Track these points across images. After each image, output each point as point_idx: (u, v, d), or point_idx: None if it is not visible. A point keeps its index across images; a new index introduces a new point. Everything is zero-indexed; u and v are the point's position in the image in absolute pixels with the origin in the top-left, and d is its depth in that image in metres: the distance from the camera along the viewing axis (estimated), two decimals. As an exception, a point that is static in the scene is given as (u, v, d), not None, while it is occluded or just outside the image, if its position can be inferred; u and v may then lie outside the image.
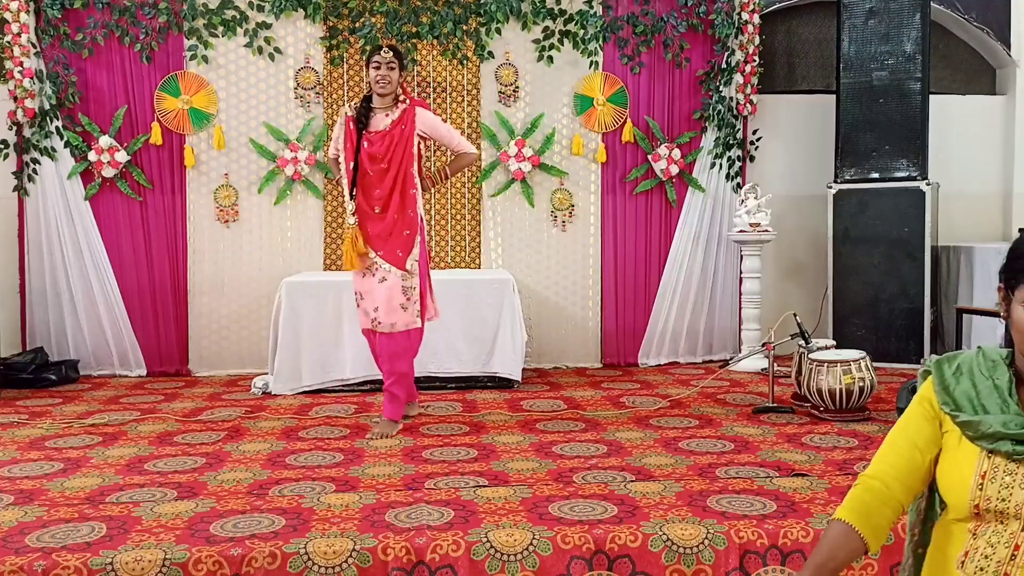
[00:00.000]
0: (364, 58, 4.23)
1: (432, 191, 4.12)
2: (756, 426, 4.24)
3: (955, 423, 1.60)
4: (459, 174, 5.70)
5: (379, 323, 4.15)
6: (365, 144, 4.10)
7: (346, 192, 4.16)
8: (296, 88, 5.88)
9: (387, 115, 4.14)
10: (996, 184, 6.63)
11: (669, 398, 4.89)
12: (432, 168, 4.34)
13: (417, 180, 4.19)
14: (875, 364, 4.63)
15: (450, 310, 5.20)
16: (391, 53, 4.09)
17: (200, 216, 5.86)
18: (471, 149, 4.34)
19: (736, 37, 6.03)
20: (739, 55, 6.05)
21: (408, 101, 4.18)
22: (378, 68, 4.07)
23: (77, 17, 5.66)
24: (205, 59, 5.77)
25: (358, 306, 4.25)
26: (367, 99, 4.19)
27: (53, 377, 5.40)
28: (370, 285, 4.15)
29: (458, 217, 5.98)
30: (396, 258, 4.12)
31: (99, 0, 5.62)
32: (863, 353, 4.44)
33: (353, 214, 4.14)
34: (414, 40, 5.86)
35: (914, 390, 4.23)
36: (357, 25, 5.85)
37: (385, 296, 4.11)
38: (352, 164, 4.10)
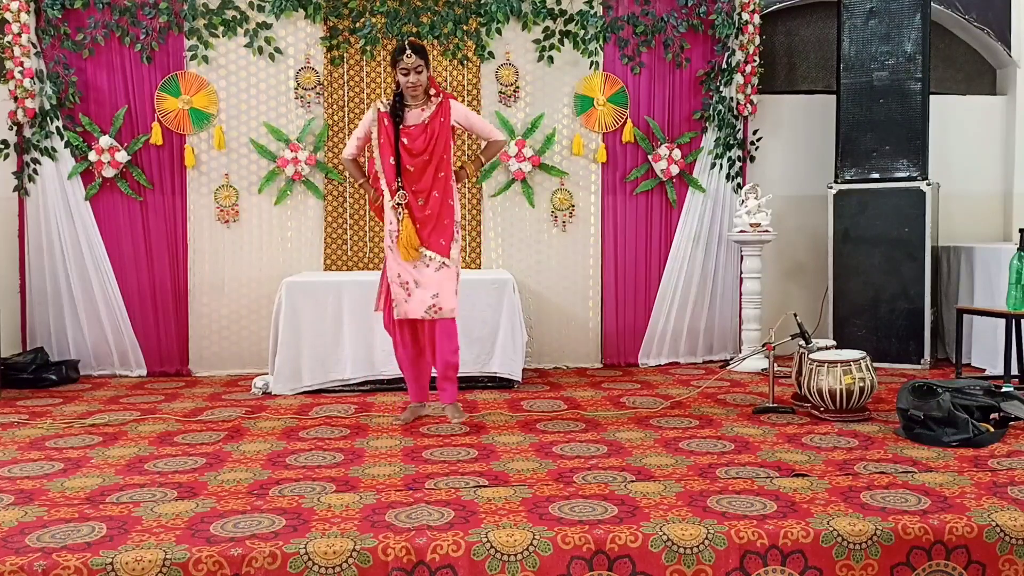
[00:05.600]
0: (390, 59, 4.31)
1: (467, 182, 4.24)
2: (756, 426, 4.24)
3: None
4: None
5: (440, 309, 4.18)
6: (404, 140, 4.15)
7: (386, 187, 4.19)
8: (296, 88, 5.88)
9: (422, 110, 4.18)
10: (996, 184, 6.63)
11: (670, 398, 4.89)
12: (463, 159, 4.39)
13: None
14: (875, 364, 4.63)
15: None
16: (416, 56, 4.10)
17: (200, 216, 5.86)
18: (502, 136, 4.40)
19: (736, 37, 6.03)
20: (739, 55, 6.05)
21: (441, 95, 4.22)
22: (407, 75, 4.10)
23: (77, 17, 5.66)
24: (205, 59, 5.78)
25: (409, 296, 4.19)
26: (399, 96, 4.20)
27: (53, 377, 5.40)
28: (426, 274, 4.18)
29: (458, 217, 5.98)
30: (440, 247, 4.19)
31: (99, 0, 5.62)
32: (863, 353, 4.44)
33: (396, 207, 4.17)
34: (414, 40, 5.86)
35: (914, 390, 4.23)
36: (357, 25, 5.85)
37: (447, 283, 4.18)
38: (393, 159, 4.15)
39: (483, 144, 4.42)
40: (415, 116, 4.18)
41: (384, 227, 4.26)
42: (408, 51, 4.08)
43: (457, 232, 4.27)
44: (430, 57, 4.36)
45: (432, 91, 4.21)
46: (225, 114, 5.84)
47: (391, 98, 4.25)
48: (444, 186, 4.19)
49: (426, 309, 4.19)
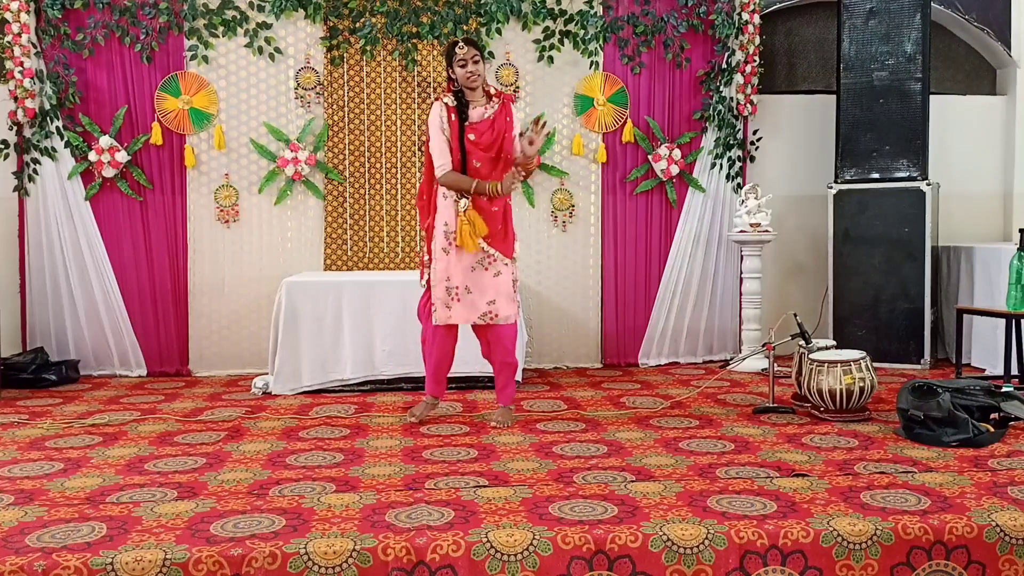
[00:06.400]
0: (444, 59, 4.26)
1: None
2: (756, 426, 4.24)
3: None
4: None
5: (496, 315, 4.17)
6: (471, 136, 4.12)
7: (463, 177, 4.11)
8: (296, 88, 5.88)
9: (484, 108, 4.17)
10: (996, 184, 6.63)
11: (670, 398, 4.89)
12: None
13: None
14: (875, 364, 4.63)
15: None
16: (471, 48, 4.10)
17: (200, 216, 5.86)
18: None
19: (736, 37, 6.03)
20: (739, 55, 6.05)
21: (501, 96, 4.22)
22: (464, 65, 4.09)
23: (77, 17, 5.66)
24: (205, 59, 5.78)
25: (456, 301, 4.16)
26: (459, 93, 4.18)
27: (53, 377, 5.40)
28: (483, 279, 4.16)
29: (458, 217, 5.98)
30: (505, 246, 4.18)
31: (99, 0, 5.62)
32: (863, 353, 4.44)
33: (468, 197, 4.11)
34: (414, 40, 5.86)
35: (914, 390, 4.23)
36: (357, 25, 5.85)
37: (504, 289, 4.17)
38: (459, 153, 4.10)
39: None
40: (478, 113, 4.16)
41: (437, 228, 4.19)
42: (460, 43, 4.11)
43: (514, 237, 4.27)
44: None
45: (492, 91, 4.21)
46: (225, 114, 5.84)
47: (454, 96, 4.18)
48: None
49: (480, 315, 4.18)
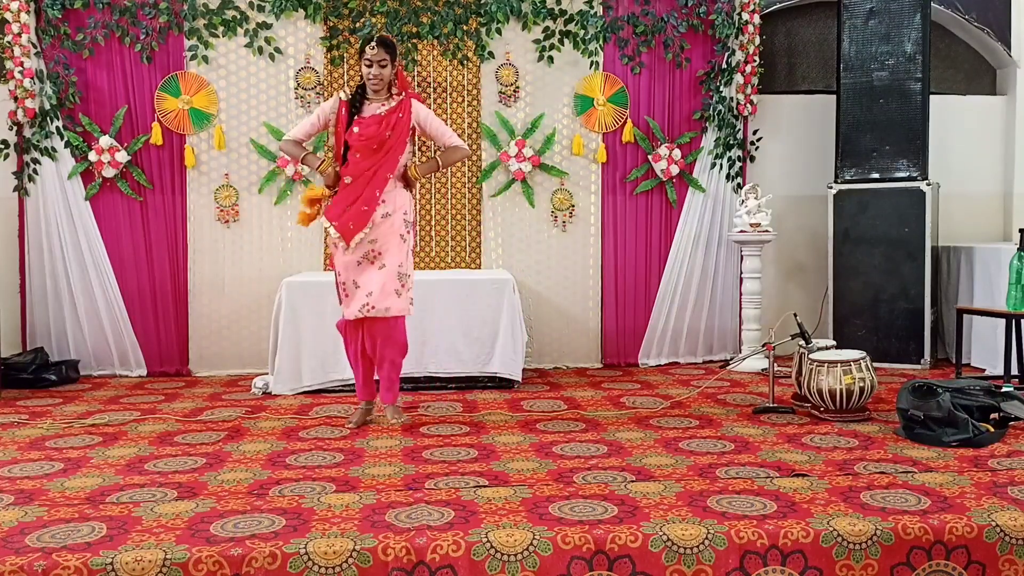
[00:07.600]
0: (358, 50, 4.24)
1: (418, 184, 4.08)
2: (756, 426, 4.24)
3: None
4: (455, 168, 5.82)
5: (372, 307, 4.12)
6: (355, 128, 4.11)
7: (330, 167, 4.18)
8: (296, 88, 5.88)
9: (382, 105, 4.15)
10: (996, 184, 6.63)
11: (670, 398, 4.89)
12: (417, 161, 4.27)
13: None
14: (875, 364, 4.63)
15: (450, 310, 5.21)
16: (380, 49, 4.06)
17: (200, 216, 5.86)
18: (461, 144, 4.27)
19: (736, 37, 6.03)
20: (739, 55, 6.05)
21: (404, 94, 4.18)
22: (370, 66, 4.08)
23: (77, 17, 5.66)
24: (205, 59, 5.78)
25: (349, 297, 4.20)
26: (362, 87, 4.18)
27: (53, 377, 5.40)
28: (368, 272, 4.16)
29: (458, 217, 5.99)
30: (394, 239, 4.15)
31: (99, 0, 5.62)
32: (863, 353, 4.44)
33: (331, 186, 4.15)
34: (414, 40, 5.86)
35: (914, 390, 4.22)
36: (357, 25, 5.85)
37: (387, 280, 4.13)
38: (342, 148, 4.13)
39: (443, 148, 4.31)
40: (372, 108, 4.15)
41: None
42: (373, 43, 4.06)
43: (408, 231, 4.21)
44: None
45: (395, 90, 4.18)
46: (225, 114, 5.84)
47: (353, 90, 4.21)
48: (395, 176, 4.13)
49: (360, 307, 4.15)
